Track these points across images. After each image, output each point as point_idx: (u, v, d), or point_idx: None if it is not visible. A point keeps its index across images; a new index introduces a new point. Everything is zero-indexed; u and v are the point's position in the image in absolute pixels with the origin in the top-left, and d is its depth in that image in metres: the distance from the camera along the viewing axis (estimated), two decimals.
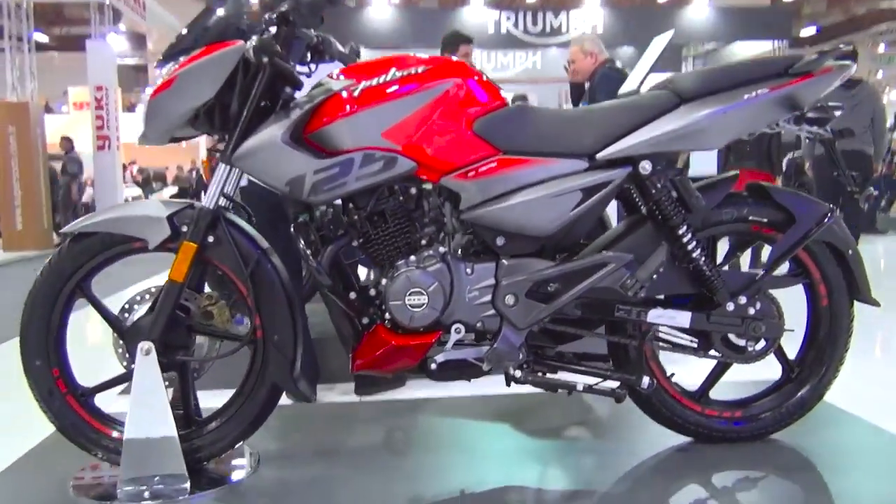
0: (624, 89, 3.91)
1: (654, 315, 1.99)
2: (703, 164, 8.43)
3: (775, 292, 2.07)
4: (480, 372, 1.97)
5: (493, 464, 2.06)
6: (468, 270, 1.93)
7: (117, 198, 13.84)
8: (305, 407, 2.37)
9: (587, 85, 4.76)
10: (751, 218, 2.07)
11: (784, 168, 6.32)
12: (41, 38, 19.72)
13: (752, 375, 2.21)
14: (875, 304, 2.11)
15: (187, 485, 1.88)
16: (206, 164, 12.58)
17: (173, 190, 18.39)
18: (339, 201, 1.94)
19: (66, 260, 1.92)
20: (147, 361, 1.86)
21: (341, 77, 1.88)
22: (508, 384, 1.97)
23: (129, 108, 25.87)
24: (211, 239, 1.90)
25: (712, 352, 2.06)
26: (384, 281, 1.92)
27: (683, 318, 2.00)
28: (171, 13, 14.98)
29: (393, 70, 1.87)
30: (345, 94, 1.84)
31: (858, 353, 2.23)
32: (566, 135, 1.94)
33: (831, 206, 2.08)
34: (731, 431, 2.12)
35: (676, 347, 2.05)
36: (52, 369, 1.94)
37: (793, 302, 2.14)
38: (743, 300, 2.01)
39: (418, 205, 1.98)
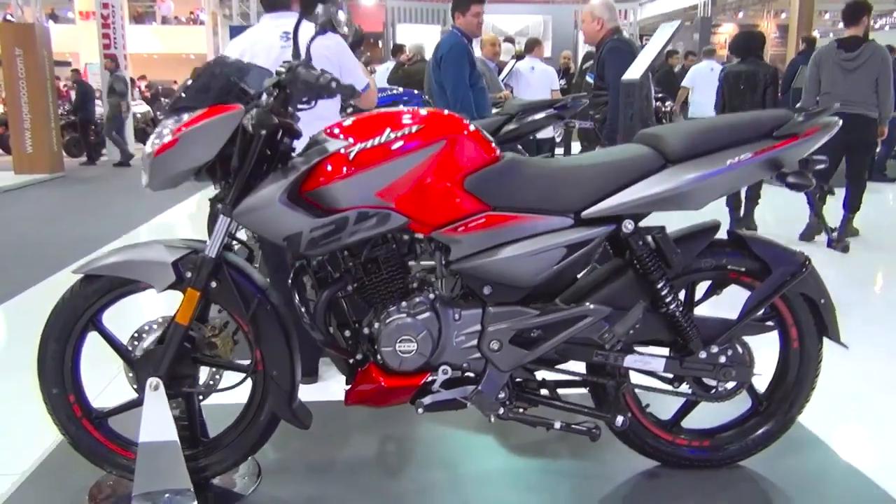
0: (628, 75, 3.91)
1: (630, 360, 2.12)
2: (703, 107, 8.42)
3: None
4: (465, 406, 2.11)
5: (473, 485, 2.23)
6: (456, 316, 2.05)
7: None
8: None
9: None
10: (729, 267, 2.16)
11: None
12: None
13: (723, 405, 2.34)
14: (843, 346, 2.23)
15: (195, 503, 2.07)
16: None
17: None
18: None
19: (78, 298, 2.05)
20: (155, 396, 2.01)
21: (338, 136, 1.94)
22: (490, 420, 2.12)
23: (137, 18, 25.43)
24: (214, 284, 2.01)
25: (683, 388, 2.20)
26: (376, 324, 2.04)
27: (658, 363, 2.13)
28: None
29: (388, 131, 1.93)
30: (342, 153, 1.91)
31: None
32: (553, 192, 2.02)
33: (807, 257, 2.17)
34: (698, 460, 2.28)
35: (650, 388, 2.19)
36: (68, 396, 2.10)
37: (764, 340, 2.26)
38: (715, 349, 2.13)
39: (410, 250, 2.08)
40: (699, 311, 2.23)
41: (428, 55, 6.82)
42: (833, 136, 5.16)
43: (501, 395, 2.09)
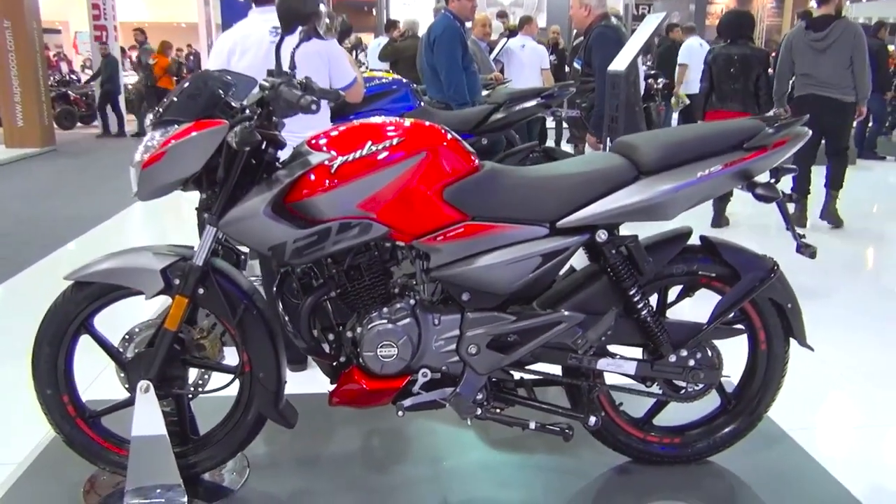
0: (614, 66, 3.95)
1: (603, 363, 2.20)
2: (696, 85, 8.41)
3: None
4: (445, 406, 2.20)
5: (454, 481, 2.33)
6: (435, 322, 2.12)
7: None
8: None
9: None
10: (700, 273, 2.24)
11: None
12: None
13: (694, 404, 2.43)
14: (809, 348, 2.31)
15: (184, 499, 2.15)
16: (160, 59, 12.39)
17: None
18: None
19: (70, 303, 2.11)
20: (146, 398, 2.09)
21: (321, 148, 2.00)
22: (468, 423, 2.21)
23: None
24: (201, 291, 2.08)
25: (654, 388, 2.29)
26: (359, 329, 2.12)
27: (629, 366, 2.22)
28: None
29: (369, 143, 1.99)
30: (324, 165, 1.97)
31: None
32: (530, 202, 2.09)
33: (775, 263, 2.24)
34: (669, 456, 2.38)
35: (622, 389, 2.28)
36: (62, 396, 2.17)
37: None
38: (684, 353, 2.21)
39: (392, 256, 2.15)
40: (672, 312, 2.32)
41: (421, 31, 6.82)
42: (807, 114, 5.20)
43: (479, 397, 2.17)
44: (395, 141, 2.00)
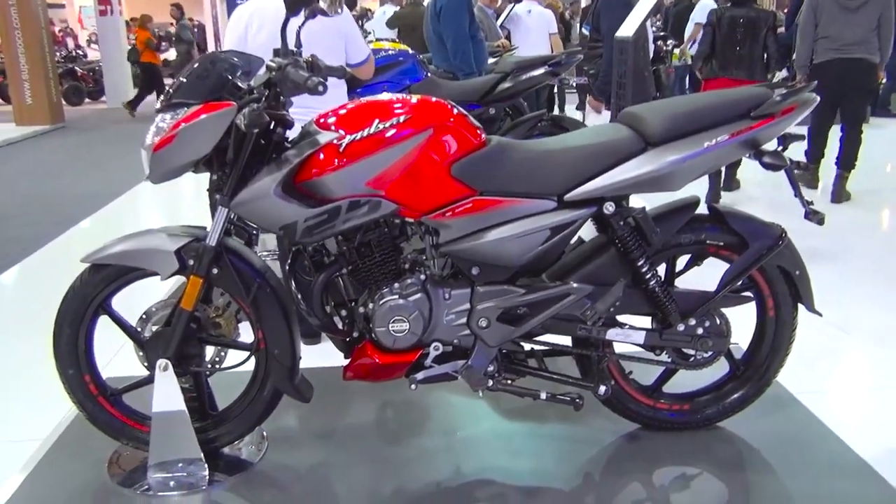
0: (622, 33, 3.91)
1: (613, 333, 2.23)
2: None
3: None
4: (457, 378, 2.24)
5: (467, 451, 2.38)
6: (446, 296, 2.15)
7: (123, 62, 13.76)
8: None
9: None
10: (708, 242, 2.25)
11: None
12: None
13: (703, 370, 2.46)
14: (818, 314, 2.33)
15: (205, 472, 2.22)
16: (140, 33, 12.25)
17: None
18: None
19: (87, 286, 2.16)
20: (165, 376, 2.15)
21: (329, 127, 2.01)
22: (480, 395, 2.25)
23: None
24: (215, 271, 2.12)
25: (663, 357, 2.32)
26: (370, 305, 2.15)
27: (638, 336, 2.25)
28: None
29: (376, 122, 2.00)
30: (332, 145, 1.99)
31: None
32: (537, 176, 2.10)
33: (783, 230, 2.25)
34: (678, 422, 2.42)
35: (631, 358, 2.31)
36: (84, 375, 2.23)
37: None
38: (693, 321, 2.24)
39: (401, 232, 2.18)
40: (680, 282, 2.34)
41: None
42: (828, 80, 5.12)
43: (490, 369, 2.21)
44: (402, 118, 2.01)
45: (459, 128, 2.07)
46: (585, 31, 4.77)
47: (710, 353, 2.29)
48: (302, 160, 1.99)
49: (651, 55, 7.73)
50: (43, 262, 4.81)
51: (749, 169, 5.93)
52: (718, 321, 2.28)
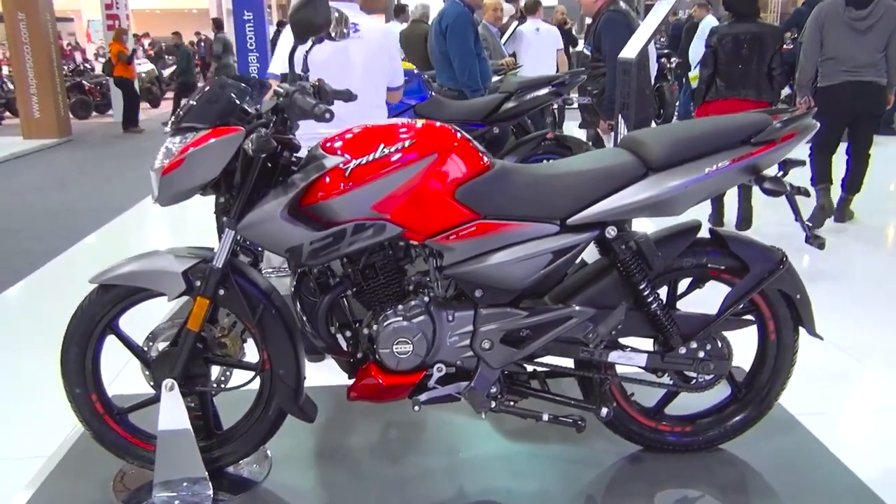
0: (624, 54, 3.95)
1: (615, 356, 2.25)
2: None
3: None
4: (460, 399, 2.26)
5: (470, 472, 2.39)
6: (449, 318, 2.18)
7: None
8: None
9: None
10: (709, 265, 2.27)
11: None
12: None
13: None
14: (819, 337, 2.35)
15: (210, 492, 2.23)
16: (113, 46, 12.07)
17: None
18: None
19: (95, 306, 2.18)
20: (171, 396, 2.17)
21: (335, 151, 2.04)
22: (483, 416, 2.27)
23: None
24: (222, 292, 2.15)
25: (665, 379, 2.34)
26: (375, 326, 2.18)
27: (640, 358, 2.27)
28: None
29: (381, 146, 2.03)
30: (338, 169, 2.02)
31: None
32: (540, 200, 2.13)
33: (783, 254, 2.27)
34: (680, 444, 2.43)
35: (633, 380, 2.32)
36: (91, 395, 2.25)
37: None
38: (694, 345, 2.25)
39: (406, 254, 2.20)
40: (682, 304, 2.36)
41: (432, 15, 6.81)
42: (839, 104, 4.99)
43: (493, 390, 2.23)
44: (407, 143, 2.04)
45: (463, 152, 2.10)
46: (587, 51, 4.80)
47: (711, 375, 2.31)
48: (308, 184, 2.02)
49: (655, 72, 7.81)
50: (50, 277, 4.85)
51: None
52: (720, 344, 2.29)
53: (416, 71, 4.42)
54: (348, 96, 2.36)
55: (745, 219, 5.17)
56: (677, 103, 10.60)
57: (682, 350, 2.25)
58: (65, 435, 2.60)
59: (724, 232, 2.30)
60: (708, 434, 2.43)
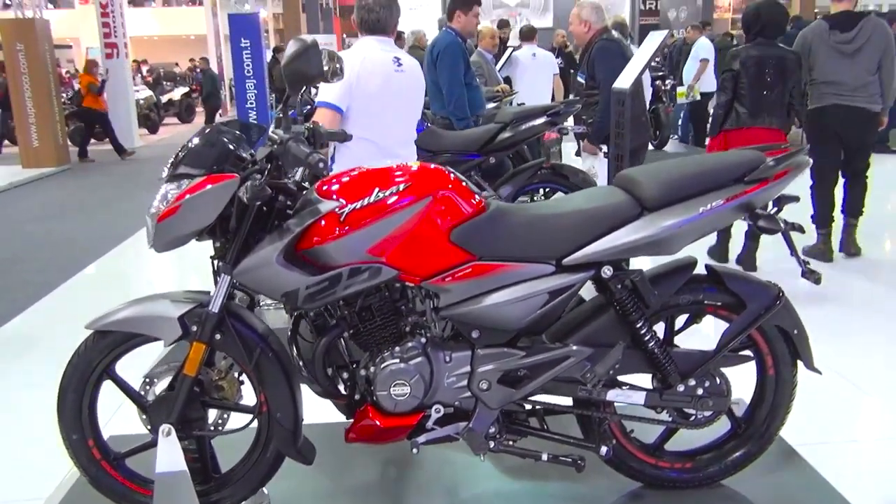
0: (618, 84, 3.98)
1: (613, 394, 2.24)
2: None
3: None
4: (458, 440, 2.25)
5: None
6: (446, 359, 2.17)
7: (129, 103, 13.94)
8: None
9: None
10: (706, 302, 2.27)
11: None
12: None
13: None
14: (817, 372, 2.34)
15: None
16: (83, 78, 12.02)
17: (183, 89, 18.40)
18: None
19: (92, 352, 2.18)
20: (168, 441, 2.16)
21: (330, 195, 2.05)
22: (482, 459, 2.25)
23: (136, 0, 25.30)
24: (218, 336, 2.15)
25: (664, 416, 2.33)
26: (372, 368, 2.17)
27: (639, 396, 2.26)
28: None
29: (376, 190, 2.04)
30: (333, 213, 2.02)
31: None
32: (536, 241, 2.13)
33: (780, 290, 2.27)
34: (681, 481, 2.42)
35: (632, 417, 2.32)
36: (88, 440, 2.24)
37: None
38: (692, 382, 2.25)
39: (402, 295, 2.20)
40: (680, 339, 2.36)
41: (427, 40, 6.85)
42: (830, 127, 4.79)
43: (492, 430, 2.22)
44: (401, 186, 2.05)
45: (458, 194, 2.10)
46: (581, 79, 4.83)
47: (710, 412, 2.30)
48: (303, 229, 2.03)
49: (650, 96, 7.85)
50: (50, 310, 4.84)
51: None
52: (718, 381, 2.29)
53: None
54: (343, 137, 2.38)
55: (746, 259, 4.88)
56: (678, 122, 10.68)
57: (681, 388, 2.25)
58: (60, 476, 2.59)
59: (721, 268, 2.30)
60: (708, 470, 2.42)
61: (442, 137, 4.38)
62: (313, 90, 2.85)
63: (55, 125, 11.49)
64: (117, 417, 2.89)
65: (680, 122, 10.83)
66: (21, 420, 3.20)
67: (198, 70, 19.03)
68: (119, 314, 2.16)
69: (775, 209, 2.24)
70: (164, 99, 17.55)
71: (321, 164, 1.91)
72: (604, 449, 2.26)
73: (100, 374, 2.21)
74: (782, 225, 2.15)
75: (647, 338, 2.19)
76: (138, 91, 15.89)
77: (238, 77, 8.41)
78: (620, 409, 2.34)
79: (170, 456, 2.16)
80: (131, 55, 16.37)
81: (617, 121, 3.98)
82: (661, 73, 10.02)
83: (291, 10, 18.46)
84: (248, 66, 8.35)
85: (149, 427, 2.25)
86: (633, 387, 2.28)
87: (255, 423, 2.27)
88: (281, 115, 2.09)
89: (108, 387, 2.27)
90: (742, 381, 2.40)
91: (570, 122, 5.19)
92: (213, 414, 2.31)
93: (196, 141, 2.11)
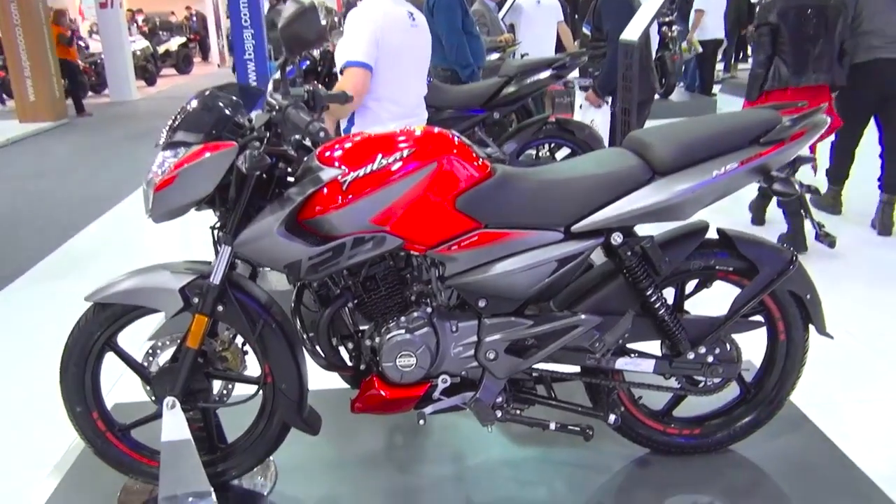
0: (626, 36, 3.86)
1: (622, 363, 2.21)
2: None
3: None
4: (465, 409, 2.23)
5: (477, 480, 2.37)
6: (453, 329, 2.13)
7: (126, 54, 13.74)
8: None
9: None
10: (717, 267, 2.22)
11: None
12: None
13: None
14: (829, 336, 2.31)
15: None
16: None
17: (181, 39, 18.09)
18: None
19: (92, 325, 2.14)
20: (172, 413, 2.14)
21: (332, 163, 1.98)
22: (489, 430, 2.23)
23: None
24: (220, 308, 2.10)
25: (672, 382, 2.30)
26: (377, 338, 2.14)
27: (648, 364, 2.23)
28: None
29: (379, 157, 1.97)
30: (335, 182, 1.96)
31: None
32: (543, 207, 2.07)
33: (794, 254, 2.22)
34: (689, 446, 2.40)
35: (640, 385, 2.29)
36: (92, 413, 2.22)
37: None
38: (703, 349, 2.21)
39: (407, 264, 2.15)
40: (689, 304, 2.32)
41: None
42: (870, 84, 4.45)
43: (499, 400, 2.19)
44: (405, 153, 1.98)
45: (463, 160, 2.04)
46: (586, 31, 4.70)
47: (720, 379, 2.27)
48: (305, 198, 1.97)
49: (656, 44, 7.66)
50: (49, 272, 4.81)
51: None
52: (728, 347, 2.25)
53: None
54: (344, 99, 2.30)
55: (756, 215, 4.82)
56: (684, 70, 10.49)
57: (691, 355, 2.21)
58: (67, 443, 2.59)
59: (733, 232, 2.24)
60: (717, 436, 2.40)
61: (445, 93, 4.28)
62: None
63: (51, 78, 11.32)
64: (121, 384, 2.87)
65: (686, 70, 10.64)
66: (25, 385, 3.19)
67: (193, 19, 18.69)
68: (119, 286, 2.11)
69: (790, 170, 2.17)
70: (161, 50, 17.26)
71: (322, 134, 1.84)
72: (612, 417, 2.24)
73: (101, 347, 2.18)
74: (798, 188, 2.08)
75: (657, 305, 2.15)
76: (134, 42, 15.63)
77: (235, 27, 8.23)
78: (629, 377, 2.31)
79: (175, 427, 2.15)
80: (126, 4, 16.04)
81: (624, 73, 3.87)
82: (668, 20, 9.76)
83: None
84: (245, 15, 8.16)
85: (153, 398, 2.23)
86: (641, 354, 2.24)
87: (260, 394, 2.24)
88: (279, 77, 2.02)
89: (110, 357, 2.25)
90: (752, 345, 2.36)
91: (575, 73, 5.05)
92: (217, 385, 2.29)
93: (193, 105, 2.04)
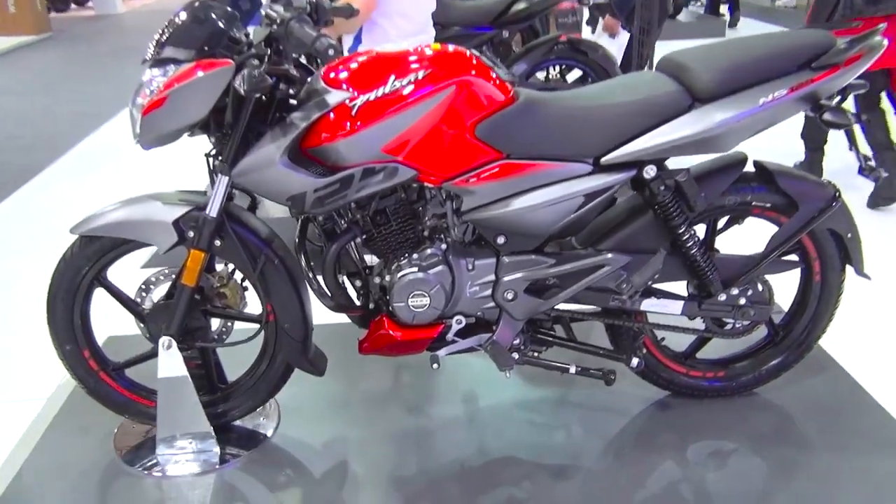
0: None
1: (648, 304, 2.08)
2: None
3: None
4: (481, 350, 2.10)
5: (490, 423, 2.26)
6: (469, 267, 1.99)
7: None
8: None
9: None
10: (754, 203, 2.06)
11: None
12: None
13: None
14: (867, 277, 2.17)
15: (217, 448, 2.11)
16: None
17: None
18: None
19: (79, 258, 1.99)
20: (169, 354, 2.00)
21: (340, 85, 1.78)
22: (507, 375, 2.10)
23: None
24: (218, 243, 1.94)
25: (697, 322, 2.17)
26: (388, 276, 1.99)
27: (676, 306, 2.10)
28: None
29: (392, 79, 1.78)
30: (344, 106, 1.77)
31: None
32: (571, 137, 1.89)
33: (837, 190, 2.06)
34: (713, 390, 2.29)
35: (663, 327, 2.16)
36: (83, 351, 2.09)
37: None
38: (735, 291, 2.07)
39: (420, 196, 1.99)
40: (719, 242, 2.17)
41: None
42: None
43: (516, 341, 2.07)
44: (420, 74, 1.79)
45: (484, 83, 1.84)
46: None
47: (750, 321, 2.14)
48: (310, 124, 1.78)
49: None
50: (37, 193, 4.60)
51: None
52: (761, 289, 2.12)
53: None
54: (349, 12, 2.08)
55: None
56: None
57: (722, 297, 2.08)
58: (58, 380, 2.46)
59: (772, 165, 2.07)
60: (742, 379, 2.29)
61: (451, 9, 4.01)
62: None
63: None
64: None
65: None
66: (12, 315, 3.05)
67: None
68: (107, 217, 1.94)
69: (840, 98, 1.98)
70: None
71: (331, 51, 1.64)
72: (635, 361, 2.12)
73: (90, 282, 2.02)
74: (851, 119, 1.90)
75: (689, 244, 2.00)
76: None
77: None
78: (653, 318, 2.17)
79: (171, 367, 2.03)
80: None
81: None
82: None
83: None
84: None
85: (147, 336, 2.09)
86: (669, 295, 2.11)
87: (262, 334, 2.11)
88: None
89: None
90: (780, 285, 2.22)
91: None
92: (216, 323, 2.15)
93: (182, 17, 1.82)
